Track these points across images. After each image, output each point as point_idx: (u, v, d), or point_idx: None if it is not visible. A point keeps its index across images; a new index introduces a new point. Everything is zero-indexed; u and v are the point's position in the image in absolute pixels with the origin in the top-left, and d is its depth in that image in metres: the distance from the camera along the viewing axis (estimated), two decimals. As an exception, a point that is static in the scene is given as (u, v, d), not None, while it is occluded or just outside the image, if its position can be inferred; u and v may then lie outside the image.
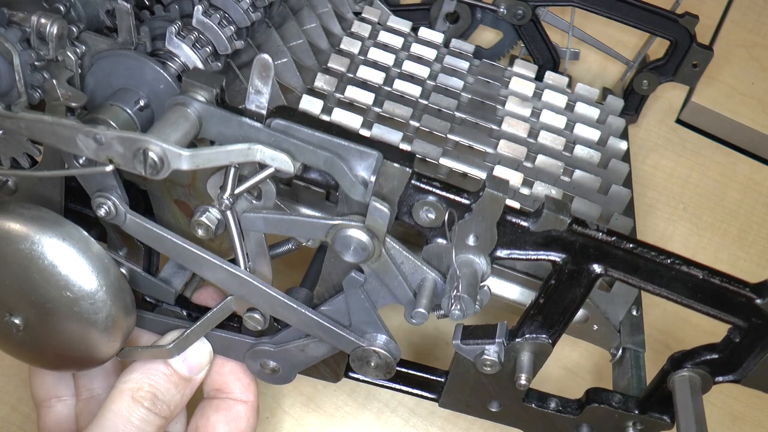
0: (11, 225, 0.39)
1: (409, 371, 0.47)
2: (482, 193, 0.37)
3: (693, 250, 0.68)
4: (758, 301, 0.38)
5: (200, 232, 0.41)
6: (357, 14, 0.66)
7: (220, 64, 0.45)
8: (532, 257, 0.39)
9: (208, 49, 0.44)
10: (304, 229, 0.39)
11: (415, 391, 0.48)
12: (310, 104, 0.54)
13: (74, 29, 0.40)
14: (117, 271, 0.41)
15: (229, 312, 0.44)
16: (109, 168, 0.35)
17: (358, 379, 0.48)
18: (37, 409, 0.48)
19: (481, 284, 0.39)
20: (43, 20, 0.38)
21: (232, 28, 0.46)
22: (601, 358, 0.58)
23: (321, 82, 0.56)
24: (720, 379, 0.41)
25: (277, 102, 0.54)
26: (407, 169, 0.37)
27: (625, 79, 0.70)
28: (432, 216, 0.38)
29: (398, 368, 0.47)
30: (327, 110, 0.54)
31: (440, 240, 0.39)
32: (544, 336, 0.42)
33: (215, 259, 0.40)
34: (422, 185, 0.38)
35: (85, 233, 0.40)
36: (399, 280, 0.40)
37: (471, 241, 0.39)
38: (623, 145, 0.60)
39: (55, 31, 0.38)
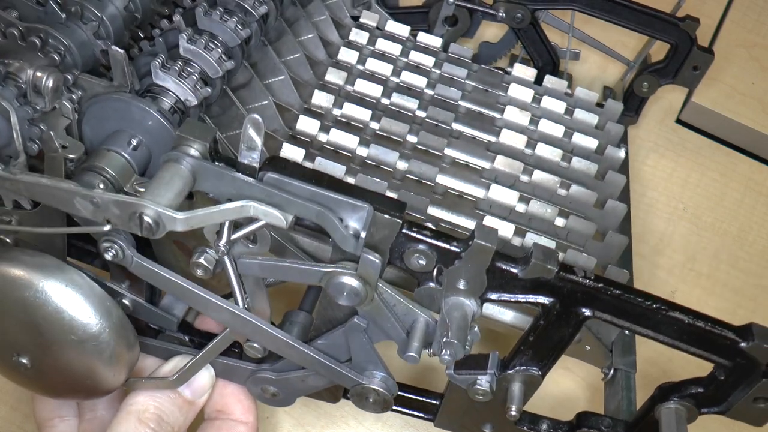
0: (15, 272, 0.40)
1: (406, 394, 0.49)
2: (471, 243, 0.38)
3: (693, 250, 0.69)
4: (742, 344, 0.39)
5: (199, 272, 0.42)
6: (355, 18, 0.66)
7: (209, 90, 0.45)
8: (521, 300, 0.40)
9: (194, 77, 0.44)
10: (299, 275, 0.40)
11: (411, 412, 0.49)
12: (308, 124, 0.54)
13: (69, 77, 0.41)
14: (119, 312, 0.42)
15: (230, 341, 0.46)
16: (107, 228, 0.36)
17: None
18: (39, 430, 0.49)
19: (472, 324, 0.40)
20: (38, 74, 0.39)
21: (220, 49, 0.46)
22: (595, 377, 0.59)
23: (318, 99, 0.57)
24: (705, 410, 0.43)
25: (274, 123, 0.54)
26: (397, 220, 0.38)
27: (625, 79, 0.70)
28: (423, 262, 0.39)
29: (395, 392, 0.49)
30: (324, 129, 0.55)
31: (431, 284, 0.40)
32: (534, 369, 0.43)
33: (218, 301, 0.42)
34: (413, 234, 0.39)
35: (88, 278, 0.41)
36: (392, 322, 0.41)
37: (461, 285, 0.40)
38: (621, 153, 0.60)
39: (50, 84, 0.39)
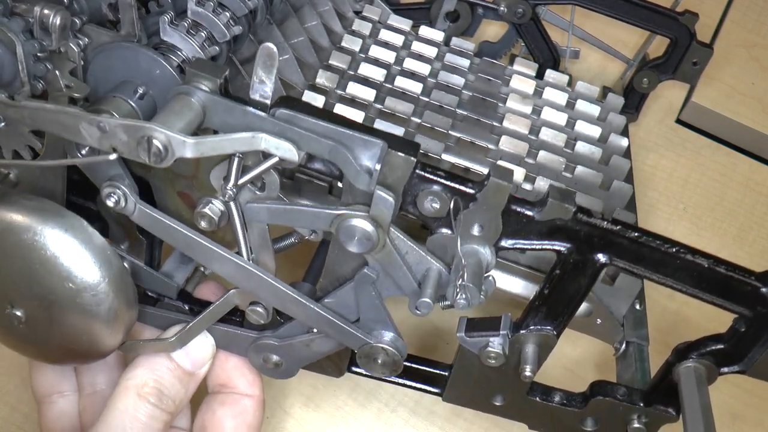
0: (13, 216, 0.38)
1: (413, 365, 0.47)
2: (487, 183, 0.37)
3: (693, 249, 0.68)
4: (764, 289, 0.38)
5: (203, 224, 0.41)
6: (357, 13, 0.66)
7: (218, 48, 0.45)
8: (537, 247, 0.39)
9: (203, 34, 0.44)
10: (309, 219, 0.39)
11: (418, 385, 0.47)
12: (312, 100, 0.54)
13: (77, 21, 0.40)
14: (119, 263, 0.40)
15: (232, 305, 0.44)
16: (113, 156, 0.35)
17: (361, 374, 0.47)
18: (38, 406, 0.47)
19: (486, 274, 0.39)
20: (46, 11, 0.38)
21: (227, 14, 0.46)
22: (603, 354, 0.58)
23: (322, 78, 0.56)
24: (725, 369, 0.41)
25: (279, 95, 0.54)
26: (412, 158, 0.37)
27: (625, 77, 0.70)
28: (436, 206, 0.38)
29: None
30: (329, 105, 0.55)
31: (445, 230, 0.39)
32: (548, 327, 0.42)
33: (224, 252, 0.40)
34: (427, 174, 0.38)
35: (88, 225, 0.39)
36: (403, 271, 0.40)
37: (476, 230, 0.39)
38: (624, 141, 0.60)
39: (58, 21, 0.38)
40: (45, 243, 0.38)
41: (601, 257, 0.39)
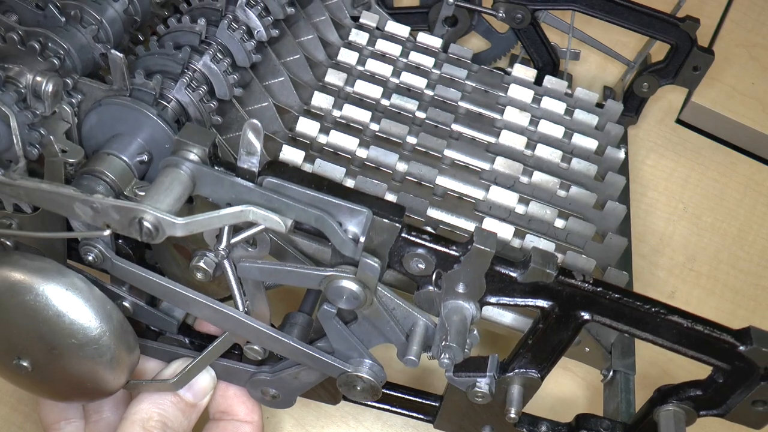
0: (16, 276, 0.40)
1: (405, 396, 0.49)
2: (470, 247, 0.38)
3: (693, 250, 0.69)
4: (741, 348, 0.39)
5: (199, 276, 0.42)
6: (355, 19, 0.66)
7: (214, 105, 0.46)
8: (521, 303, 0.40)
9: (202, 90, 0.45)
10: (298, 279, 0.40)
11: (411, 414, 0.49)
12: (307, 127, 0.54)
13: (69, 81, 0.41)
14: (119, 315, 0.42)
15: (230, 344, 0.46)
16: (107, 233, 0.36)
17: (355, 402, 0.49)
18: None
19: (471, 327, 0.41)
20: (38, 78, 0.39)
21: (234, 76, 0.47)
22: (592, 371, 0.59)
23: (318, 101, 0.57)
24: (704, 412, 0.43)
25: (273, 124, 0.54)
26: (396, 224, 0.38)
27: (625, 79, 0.69)
28: (422, 266, 0.39)
29: (395, 393, 0.49)
30: (324, 130, 0.55)
31: (430, 287, 0.40)
32: (533, 371, 0.43)
33: (199, 297, 0.42)
34: (412, 238, 0.39)
35: (87, 281, 0.41)
36: (391, 325, 0.41)
37: (461, 288, 0.40)
38: (620, 154, 0.60)
39: (50, 89, 0.39)
40: (47, 303, 0.40)
41: (584, 314, 0.40)
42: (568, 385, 0.58)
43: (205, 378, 0.48)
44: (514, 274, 0.39)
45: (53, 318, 0.40)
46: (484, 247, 0.38)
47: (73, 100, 0.41)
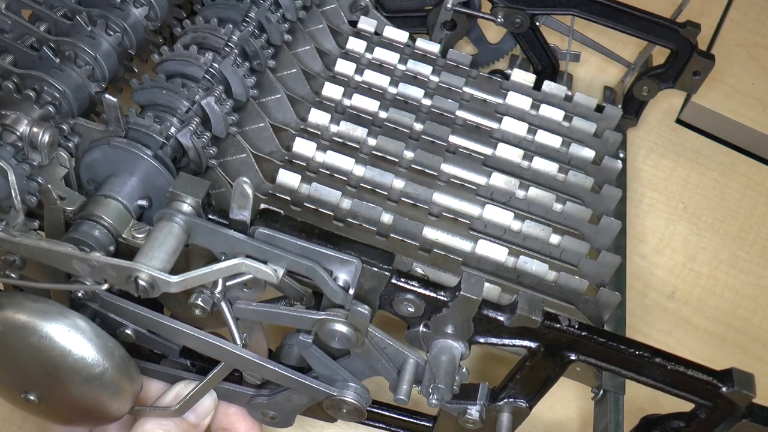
0: (20, 318, 0.41)
1: (399, 416, 0.51)
2: (458, 294, 0.39)
3: (693, 249, 0.69)
4: (723, 389, 0.40)
5: (197, 312, 0.43)
6: (353, 24, 0.65)
7: (213, 151, 0.46)
8: (508, 344, 0.41)
9: (204, 135, 0.45)
10: (292, 320, 0.41)
11: (406, 433, 0.51)
12: (304, 148, 0.54)
13: (65, 127, 0.42)
14: (121, 351, 0.43)
15: (230, 370, 0.47)
16: (105, 287, 0.37)
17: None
18: None
19: (460, 365, 0.42)
20: (35, 129, 0.40)
21: (233, 117, 0.48)
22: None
23: (314, 117, 0.57)
24: (688, 443, 0.44)
25: (270, 144, 0.55)
26: (385, 273, 0.39)
27: (625, 82, 0.69)
28: (411, 309, 0.41)
29: (389, 413, 0.51)
30: (321, 148, 0.55)
31: (421, 328, 0.41)
32: (522, 401, 0.44)
33: (187, 329, 0.43)
34: (401, 284, 0.40)
35: (89, 321, 0.42)
36: (383, 363, 0.42)
37: (449, 329, 0.41)
38: (618, 164, 0.60)
39: (47, 139, 0.40)
40: (51, 344, 0.41)
41: (570, 355, 0.41)
42: (560, 408, 0.59)
43: (207, 399, 0.49)
44: (501, 318, 0.40)
45: (58, 357, 0.42)
46: (471, 295, 0.39)
47: (70, 144, 0.42)
